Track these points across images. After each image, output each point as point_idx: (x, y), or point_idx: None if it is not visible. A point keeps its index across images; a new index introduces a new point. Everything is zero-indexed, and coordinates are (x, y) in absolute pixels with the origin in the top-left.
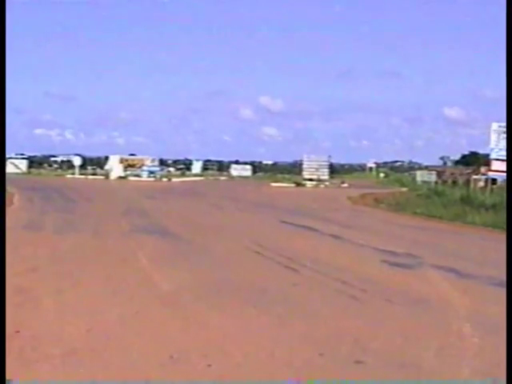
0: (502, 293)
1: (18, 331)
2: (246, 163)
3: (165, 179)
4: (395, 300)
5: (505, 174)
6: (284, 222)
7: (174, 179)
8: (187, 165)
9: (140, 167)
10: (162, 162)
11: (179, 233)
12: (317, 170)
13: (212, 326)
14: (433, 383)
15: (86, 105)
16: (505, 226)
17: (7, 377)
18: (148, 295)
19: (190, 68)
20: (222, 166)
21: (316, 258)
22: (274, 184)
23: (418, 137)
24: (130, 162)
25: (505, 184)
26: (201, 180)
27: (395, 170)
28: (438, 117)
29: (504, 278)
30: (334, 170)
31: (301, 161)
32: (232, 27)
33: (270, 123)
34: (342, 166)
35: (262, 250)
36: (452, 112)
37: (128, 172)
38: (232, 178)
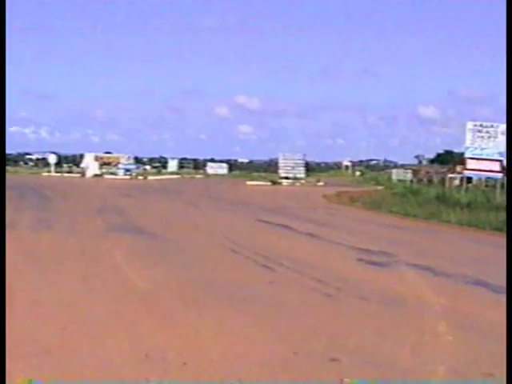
0: (477, 291)
1: None
2: (221, 161)
3: (140, 177)
4: (371, 298)
5: (480, 173)
6: (260, 220)
7: (150, 177)
8: (163, 163)
9: (116, 165)
10: (138, 160)
11: (155, 231)
12: (292, 168)
13: (188, 325)
14: (433, 383)
15: (62, 102)
16: (480, 225)
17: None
18: (124, 293)
19: (166, 66)
20: (198, 165)
21: (292, 256)
22: (249, 182)
23: (393, 135)
24: (106, 160)
25: (480, 183)
26: (176, 178)
27: (371, 169)
28: (413, 115)
29: (479, 276)
30: (309, 168)
31: (276, 159)
32: (208, 26)
33: (245, 121)
34: (318, 164)
35: (238, 249)
36: (427, 111)
37: (104, 170)
38: (208, 176)
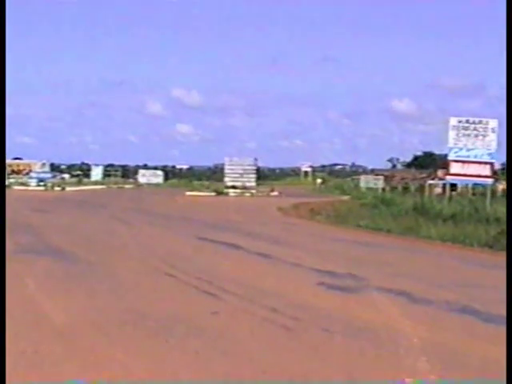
0: (464, 320)
1: None
2: (156, 168)
3: (57, 188)
4: (334, 329)
5: (466, 178)
6: (202, 238)
7: (69, 188)
8: (85, 171)
9: (27, 174)
10: (54, 168)
11: (75, 253)
12: (241, 175)
13: (114, 366)
14: (432, 383)
15: None
16: (467, 241)
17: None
18: (38, 330)
19: (87, 53)
20: (128, 172)
21: (240, 280)
22: (190, 193)
23: (361, 135)
24: (15, 168)
25: (466, 190)
26: (101, 189)
27: (335, 175)
28: (385, 110)
29: (466, 302)
30: (261, 175)
31: (222, 165)
32: (135, 6)
33: (184, 120)
34: (272, 170)
35: (175, 273)
36: (401, 105)
37: (12, 180)
38: (140, 186)
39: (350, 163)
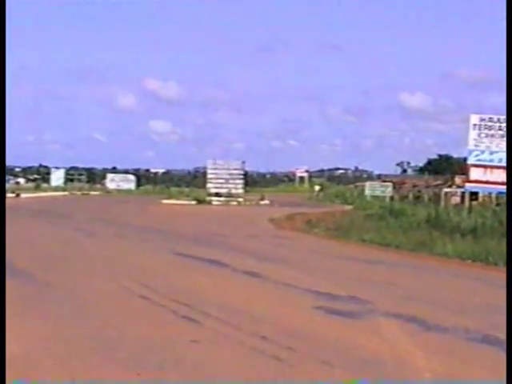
0: (484, 351)
1: None
2: (127, 172)
3: (11, 195)
4: (334, 361)
5: (488, 186)
6: (180, 254)
7: (25, 195)
8: (43, 174)
9: None
10: (7, 171)
11: (32, 271)
12: (226, 181)
13: None
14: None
15: None
16: (490, 259)
17: None
18: None
19: (46, 38)
20: (94, 176)
21: (225, 303)
22: (166, 201)
23: (366, 135)
24: None
25: (489, 199)
26: (63, 196)
27: (336, 181)
28: (394, 106)
29: (487, 330)
30: (250, 181)
31: (204, 169)
32: None
33: (160, 116)
34: (262, 175)
35: (149, 294)
36: (413, 100)
37: None
38: (108, 192)
39: (353, 167)
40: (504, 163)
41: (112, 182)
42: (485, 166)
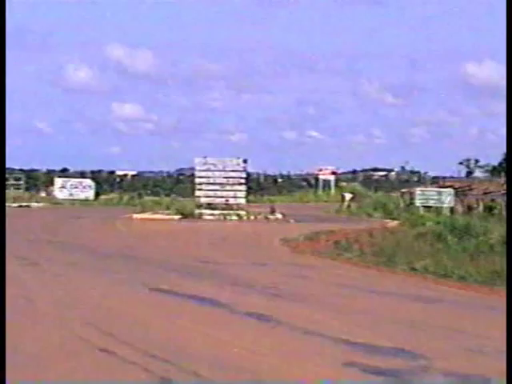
0: None
1: None
2: (83, 175)
3: None
4: None
5: None
6: (160, 290)
7: None
8: None
9: None
10: None
11: None
12: (222, 187)
13: None
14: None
15: None
16: None
17: None
18: None
19: None
20: (36, 182)
21: (220, 359)
22: (139, 215)
23: (416, 122)
24: None
25: None
26: None
27: (373, 187)
28: (455, 81)
29: None
30: (255, 187)
31: (191, 170)
32: None
33: (127, 97)
34: (272, 179)
35: (112, 346)
36: (481, 71)
37: None
38: (57, 203)
39: (398, 168)
40: None
41: (62, 189)
42: None
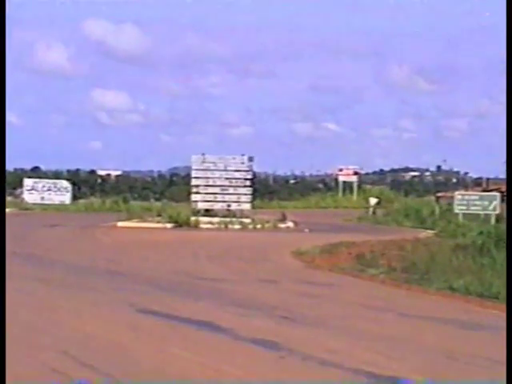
0: None
1: None
2: (57, 175)
3: None
4: None
5: None
6: (149, 311)
7: None
8: None
9: None
10: None
11: None
12: (224, 190)
13: None
14: None
15: None
16: None
17: None
18: None
19: None
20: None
21: None
22: (124, 223)
23: (453, 113)
24: None
25: None
26: None
27: (403, 190)
28: (501, 64)
29: None
30: (262, 189)
31: (186, 169)
32: None
33: (110, 83)
34: (282, 180)
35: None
36: None
37: None
38: (27, 209)
39: (433, 168)
40: None
41: (33, 191)
42: None
